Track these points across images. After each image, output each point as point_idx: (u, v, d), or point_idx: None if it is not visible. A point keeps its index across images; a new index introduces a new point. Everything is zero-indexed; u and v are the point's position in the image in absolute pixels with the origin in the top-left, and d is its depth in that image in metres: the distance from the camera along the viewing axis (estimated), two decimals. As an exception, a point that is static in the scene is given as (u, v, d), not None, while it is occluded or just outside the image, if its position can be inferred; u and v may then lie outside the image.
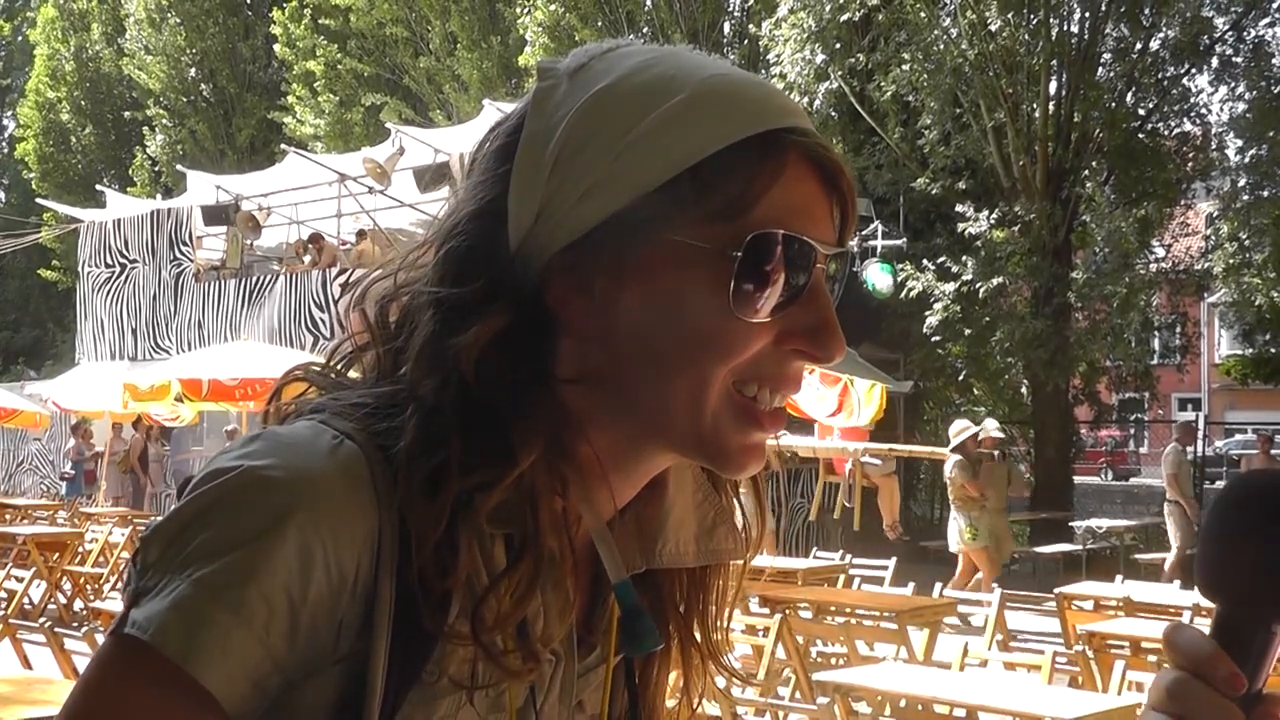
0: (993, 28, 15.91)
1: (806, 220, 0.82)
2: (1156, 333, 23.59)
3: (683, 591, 0.96)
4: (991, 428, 11.67)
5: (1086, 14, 16.84)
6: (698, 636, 0.96)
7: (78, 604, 11.23)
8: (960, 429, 11.47)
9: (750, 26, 19.94)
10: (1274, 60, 17.64)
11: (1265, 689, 0.73)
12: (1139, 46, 17.05)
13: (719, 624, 0.97)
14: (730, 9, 22.13)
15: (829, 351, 0.83)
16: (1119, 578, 9.18)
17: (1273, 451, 15.74)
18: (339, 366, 0.90)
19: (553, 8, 20.68)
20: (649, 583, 0.94)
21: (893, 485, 13.04)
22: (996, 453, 11.69)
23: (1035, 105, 16.32)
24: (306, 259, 18.05)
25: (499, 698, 0.83)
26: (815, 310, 0.82)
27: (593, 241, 0.81)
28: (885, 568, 9.69)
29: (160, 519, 0.77)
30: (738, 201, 0.80)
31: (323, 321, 16.84)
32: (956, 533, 11.43)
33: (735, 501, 0.96)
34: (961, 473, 11.17)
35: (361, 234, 17.87)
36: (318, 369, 0.90)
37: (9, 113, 38.99)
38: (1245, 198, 17.27)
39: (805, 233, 0.81)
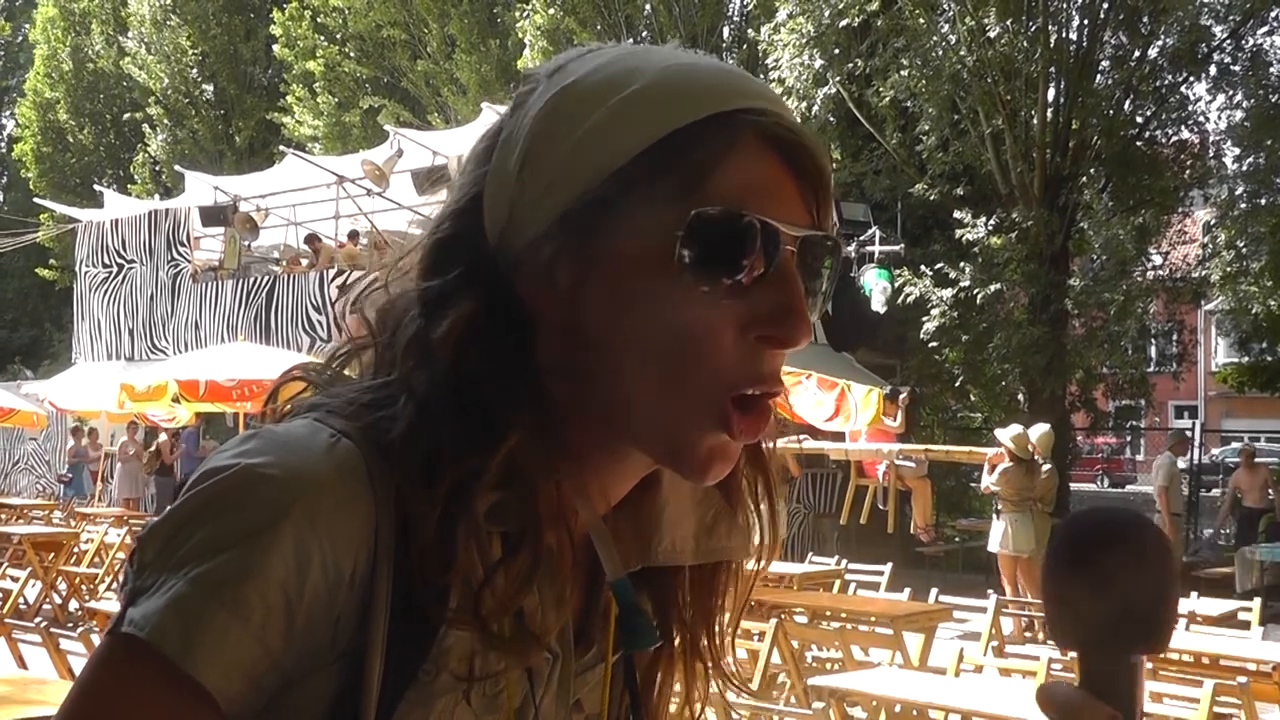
0: (991, 34, 15.92)
1: (764, 199, 0.79)
2: (1153, 340, 23.66)
3: (687, 592, 0.95)
4: (1040, 432, 11.58)
5: (1085, 21, 16.86)
6: (701, 640, 0.95)
7: (73, 604, 11.22)
8: (1021, 432, 11.34)
9: (749, 31, 19.97)
10: (1272, 69, 17.66)
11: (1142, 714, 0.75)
12: (1137, 54, 17.07)
13: (724, 628, 0.96)
14: (729, 13, 22.17)
15: (792, 333, 0.80)
16: (1114, 584, 9.16)
17: (1256, 459, 15.68)
18: (335, 366, 0.90)
19: (551, 11, 20.69)
20: (653, 582, 0.93)
21: (926, 487, 13.01)
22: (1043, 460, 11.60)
23: (1033, 112, 16.33)
24: (304, 262, 18.07)
25: (496, 697, 0.82)
26: (779, 292, 0.80)
27: (553, 234, 0.82)
28: (881, 573, 9.69)
29: (157, 518, 0.77)
30: (686, 182, 0.79)
31: (319, 323, 16.84)
32: (1028, 538, 11.24)
33: (739, 501, 0.94)
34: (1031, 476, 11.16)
35: (354, 234, 17.89)
36: (315, 369, 0.91)
37: (8, 112, 38.97)
38: (1242, 206, 17.28)
39: (762, 212, 0.79)
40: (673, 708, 0.99)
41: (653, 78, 0.82)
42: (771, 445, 0.92)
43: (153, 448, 18.86)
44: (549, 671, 0.86)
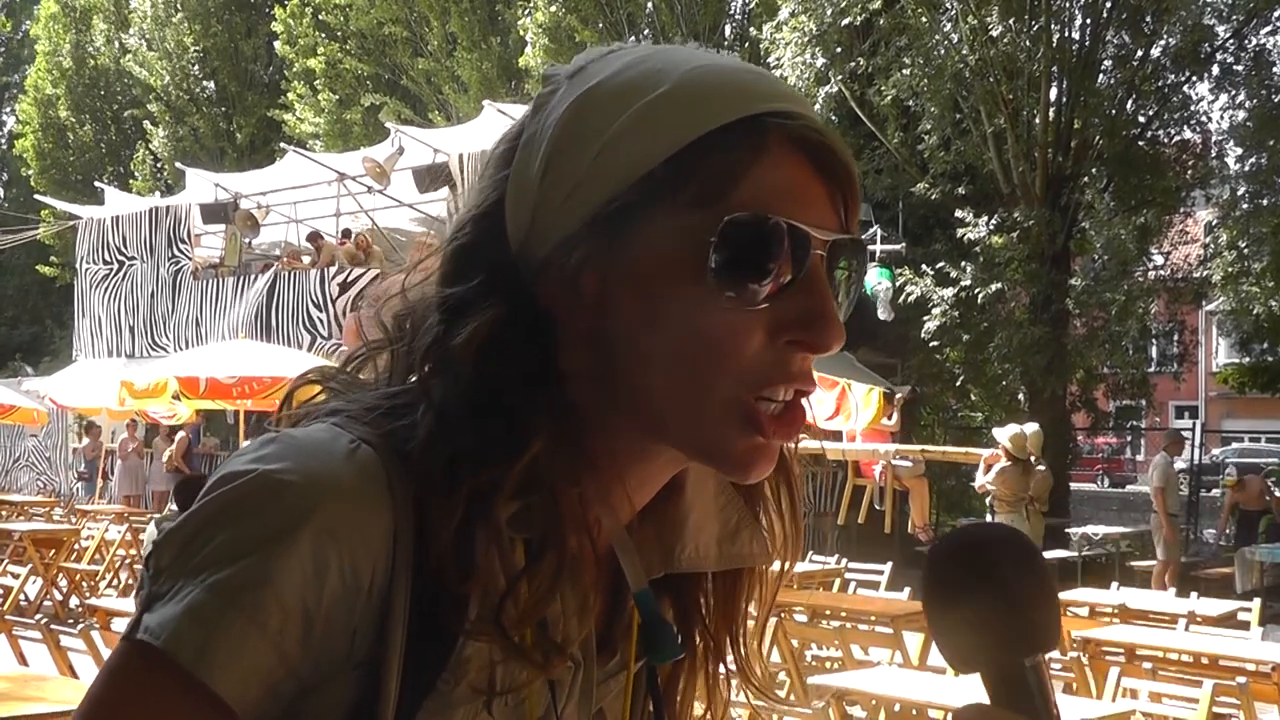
0: (994, 33, 15.91)
1: (793, 204, 0.78)
2: (1154, 340, 23.64)
3: (710, 599, 0.94)
4: (1031, 430, 11.58)
5: (1088, 21, 16.86)
6: (725, 646, 0.94)
7: (74, 601, 11.23)
8: (1019, 431, 11.34)
9: (751, 29, 19.96)
10: (1274, 69, 17.65)
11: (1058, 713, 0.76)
12: (1140, 54, 17.07)
13: (747, 634, 0.95)
14: (731, 12, 22.17)
15: (823, 339, 0.79)
16: (1114, 584, 9.19)
17: (1245, 477, 15.68)
18: (351, 369, 0.90)
19: (553, 9, 20.69)
20: (676, 588, 0.92)
21: (923, 487, 13.01)
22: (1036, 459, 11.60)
23: (1035, 111, 16.33)
24: (306, 259, 18.04)
25: (518, 706, 0.82)
26: (809, 297, 0.79)
27: (578, 240, 0.81)
28: (881, 572, 9.68)
29: (174, 523, 0.76)
30: (714, 187, 0.78)
31: (320, 320, 16.81)
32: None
33: (762, 505, 0.93)
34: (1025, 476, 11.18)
35: (347, 233, 17.86)
36: (331, 372, 0.90)
37: (9, 109, 38.99)
38: (1244, 206, 17.27)
39: (791, 216, 0.78)
40: (696, 710, 0.98)
41: (678, 80, 0.81)
42: (794, 447, 0.90)
43: (172, 446, 18.82)
44: (571, 680, 0.85)
